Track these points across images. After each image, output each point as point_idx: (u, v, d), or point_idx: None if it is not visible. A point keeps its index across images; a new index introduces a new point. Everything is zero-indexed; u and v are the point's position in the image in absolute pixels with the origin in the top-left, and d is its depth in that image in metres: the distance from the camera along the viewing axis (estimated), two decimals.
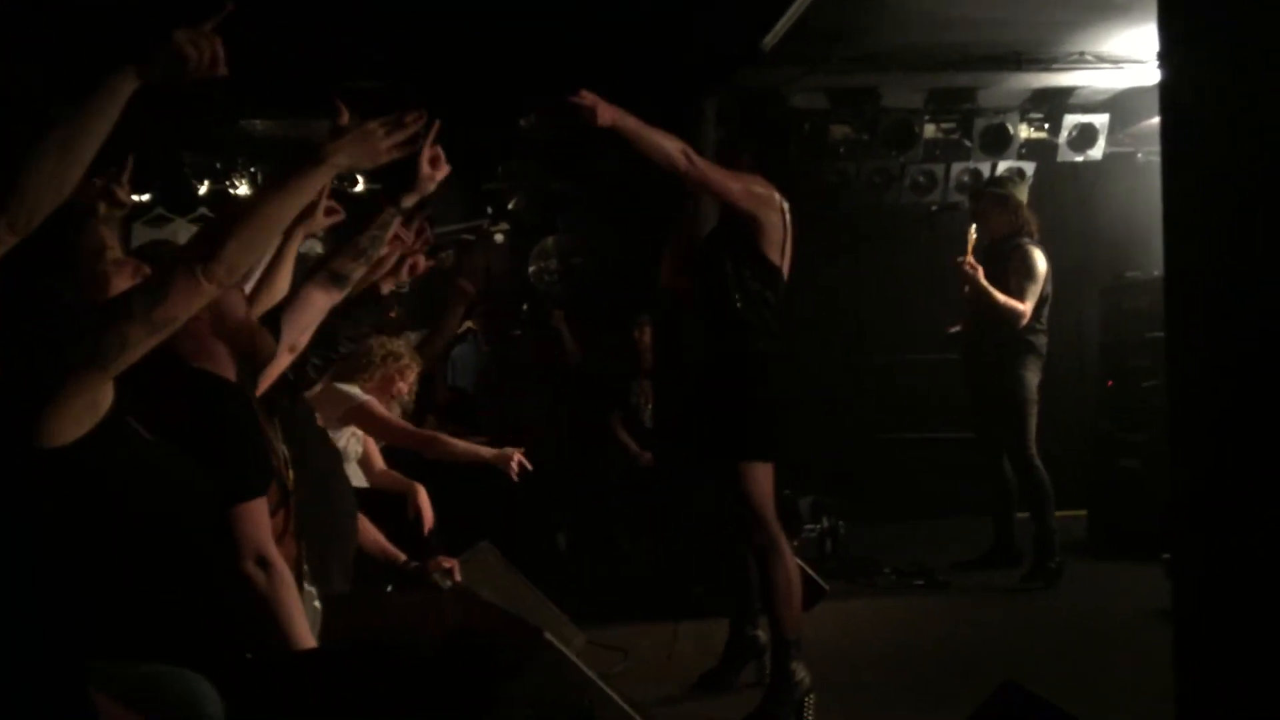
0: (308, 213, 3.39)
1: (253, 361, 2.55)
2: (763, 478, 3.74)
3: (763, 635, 4.02)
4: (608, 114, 3.31)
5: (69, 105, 1.81)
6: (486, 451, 4.27)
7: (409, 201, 2.92)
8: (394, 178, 3.02)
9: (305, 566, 2.59)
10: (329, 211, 3.46)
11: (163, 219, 7.57)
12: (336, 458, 3.52)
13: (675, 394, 4.05)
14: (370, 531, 3.64)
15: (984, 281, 5.63)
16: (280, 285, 3.09)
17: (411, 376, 4.42)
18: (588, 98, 3.30)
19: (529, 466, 4.15)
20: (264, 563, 2.20)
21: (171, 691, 1.75)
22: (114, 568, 1.85)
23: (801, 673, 3.72)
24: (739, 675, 4.08)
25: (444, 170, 2.91)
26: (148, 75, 1.85)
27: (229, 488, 2.14)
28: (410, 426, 4.45)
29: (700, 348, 3.90)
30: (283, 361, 2.99)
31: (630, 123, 3.38)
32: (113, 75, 1.83)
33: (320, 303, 2.82)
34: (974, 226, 5.77)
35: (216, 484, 2.05)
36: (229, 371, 2.44)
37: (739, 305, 3.72)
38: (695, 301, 3.92)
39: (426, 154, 2.92)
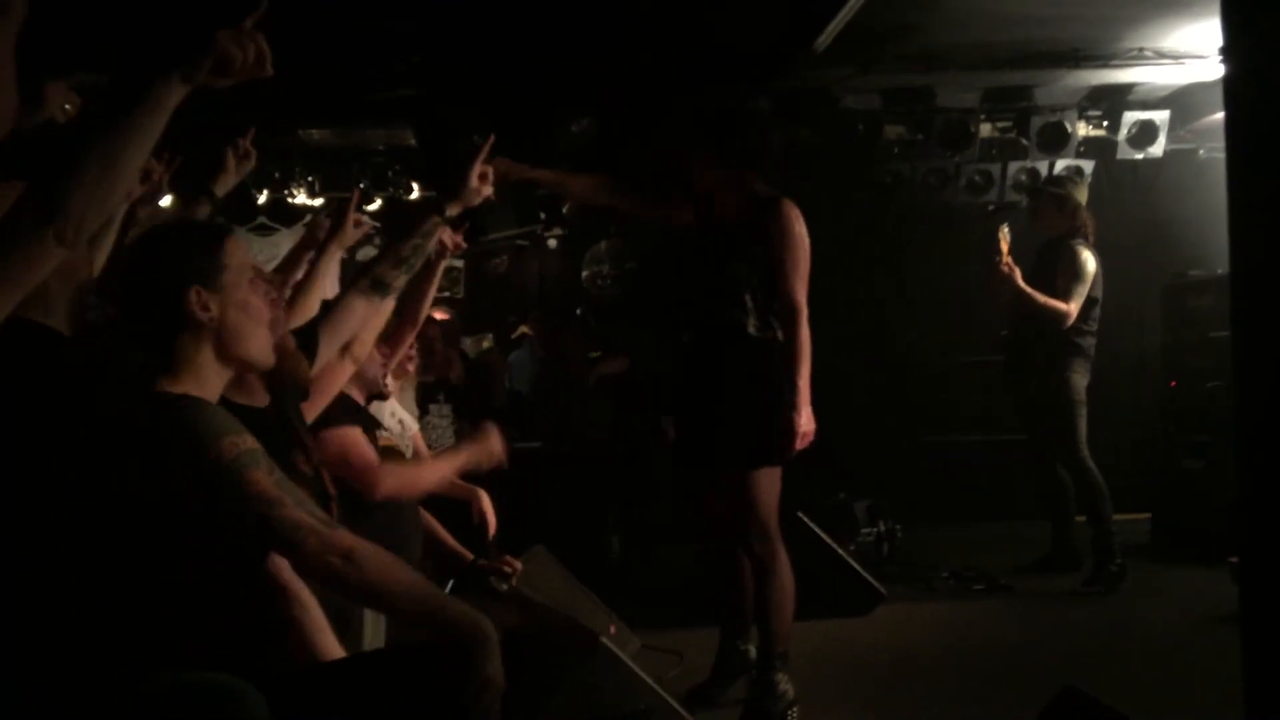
0: (338, 228, 3.43)
1: (285, 383, 2.56)
2: (770, 485, 3.68)
3: (754, 650, 3.92)
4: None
5: (113, 112, 1.75)
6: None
7: (453, 211, 2.92)
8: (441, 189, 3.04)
9: None
10: (357, 224, 3.48)
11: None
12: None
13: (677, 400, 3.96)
14: (437, 529, 3.67)
15: (1022, 283, 5.56)
16: (312, 303, 3.10)
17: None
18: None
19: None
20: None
21: (218, 698, 1.76)
22: (161, 573, 1.86)
23: (785, 684, 3.66)
24: (729, 691, 3.96)
25: (490, 188, 2.95)
26: (193, 79, 1.78)
27: None
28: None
29: (703, 355, 3.83)
30: (346, 371, 3.01)
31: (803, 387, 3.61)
32: (158, 83, 1.76)
33: (361, 310, 2.80)
34: (1005, 230, 5.66)
35: None
36: (256, 396, 2.46)
37: (754, 333, 3.71)
38: (698, 311, 3.85)
39: (477, 169, 2.94)
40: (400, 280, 2.85)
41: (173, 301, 1.96)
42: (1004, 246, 5.59)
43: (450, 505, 4.05)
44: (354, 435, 3.18)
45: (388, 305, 2.92)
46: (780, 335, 3.71)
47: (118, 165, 1.71)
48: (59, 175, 1.69)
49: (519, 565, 3.70)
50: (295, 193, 7.89)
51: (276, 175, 7.69)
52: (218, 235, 2.08)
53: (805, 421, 3.62)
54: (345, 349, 2.88)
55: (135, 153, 1.74)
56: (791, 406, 3.60)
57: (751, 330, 3.72)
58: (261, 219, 7.95)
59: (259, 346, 2.08)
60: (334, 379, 2.94)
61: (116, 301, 1.97)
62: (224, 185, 3.39)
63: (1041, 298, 5.55)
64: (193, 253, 2.01)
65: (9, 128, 1.91)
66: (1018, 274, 5.57)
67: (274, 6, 1.89)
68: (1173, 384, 6.82)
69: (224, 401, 2.38)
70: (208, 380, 2.00)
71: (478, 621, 1.90)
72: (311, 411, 2.85)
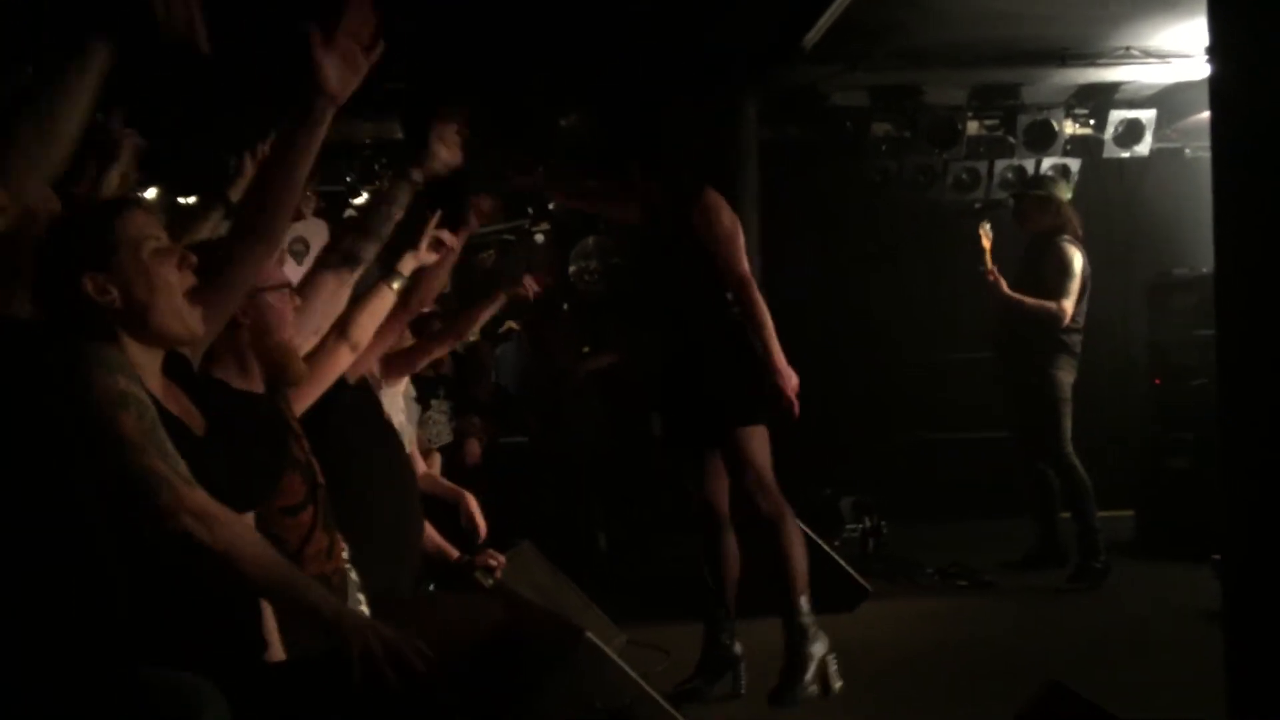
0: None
1: (280, 380, 2.54)
2: (761, 443, 3.82)
3: (738, 646, 3.98)
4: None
5: (44, 79, 1.71)
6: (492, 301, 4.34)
7: (418, 176, 2.78)
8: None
9: (348, 565, 2.61)
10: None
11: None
12: (403, 453, 3.52)
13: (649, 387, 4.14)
14: (426, 526, 3.67)
15: (1008, 290, 5.59)
16: None
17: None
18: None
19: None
20: None
21: (173, 696, 1.73)
22: (119, 567, 1.83)
23: (815, 629, 3.78)
24: (714, 686, 3.96)
25: (456, 154, 2.83)
26: (117, 40, 1.74)
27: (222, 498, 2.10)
28: (428, 337, 4.31)
29: (668, 338, 4.04)
30: (343, 359, 2.97)
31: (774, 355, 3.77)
32: (84, 45, 1.72)
33: (331, 285, 2.69)
34: (986, 227, 5.69)
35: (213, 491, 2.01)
36: (254, 382, 2.45)
37: (712, 311, 3.91)
38: (654, 299, 4.10)
39: (437, 133, 2.81)
40: (369, 252, 2.74)
41: (71, 294, 1.90)
42: (986, 244, 5.63)
43: (437, 504, 4.05)
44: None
45: (387, 298, 2.90)
46: (736, 309, 3.89)
47: (52, 131, 1.68)
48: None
49: (504, 560, 3.70)
50: None
51: None
52: (105, 214, 2.00)
53: (787, 379, 3.79)
54: (343, 334, 2.82)
55: (69, 117, 1.69)
56: (773, 370, 3.77)
57: (709, 308, 3.91)
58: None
59: (175, 318, 1.99)
60: (331, 366, 2.90)
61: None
62: (240, 190, 3.36)
63: (1031, 301, 5.56)
64: (79, 239, 1.92)
65: None
66: (1002, 283, 5.60)
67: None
68: (1157, 381, 6.85)
69: (224, 387, 2.37)
70: (135, 363, 1.94)
71: (337, 609, 1.89)
72: (308, 399, 2.82)
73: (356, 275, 2.76)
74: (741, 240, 3.90)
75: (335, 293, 2.71)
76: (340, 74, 2.10)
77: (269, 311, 2.42)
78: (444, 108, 2.86)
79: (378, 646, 1.82)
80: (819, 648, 3.78)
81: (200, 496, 1.84)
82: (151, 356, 2.00)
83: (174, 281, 1.99)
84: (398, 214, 2.78)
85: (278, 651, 2.14)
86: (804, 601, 3.79)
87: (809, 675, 3.74)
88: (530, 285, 4.62)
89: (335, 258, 2.71)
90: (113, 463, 1.78)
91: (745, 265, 3.88)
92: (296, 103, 2.08)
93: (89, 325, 1.93)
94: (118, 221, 1.97)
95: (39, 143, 1.67)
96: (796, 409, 3.79)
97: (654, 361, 4.22)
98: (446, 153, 2.81)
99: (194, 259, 2.05)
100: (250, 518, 2.21)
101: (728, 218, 3.89)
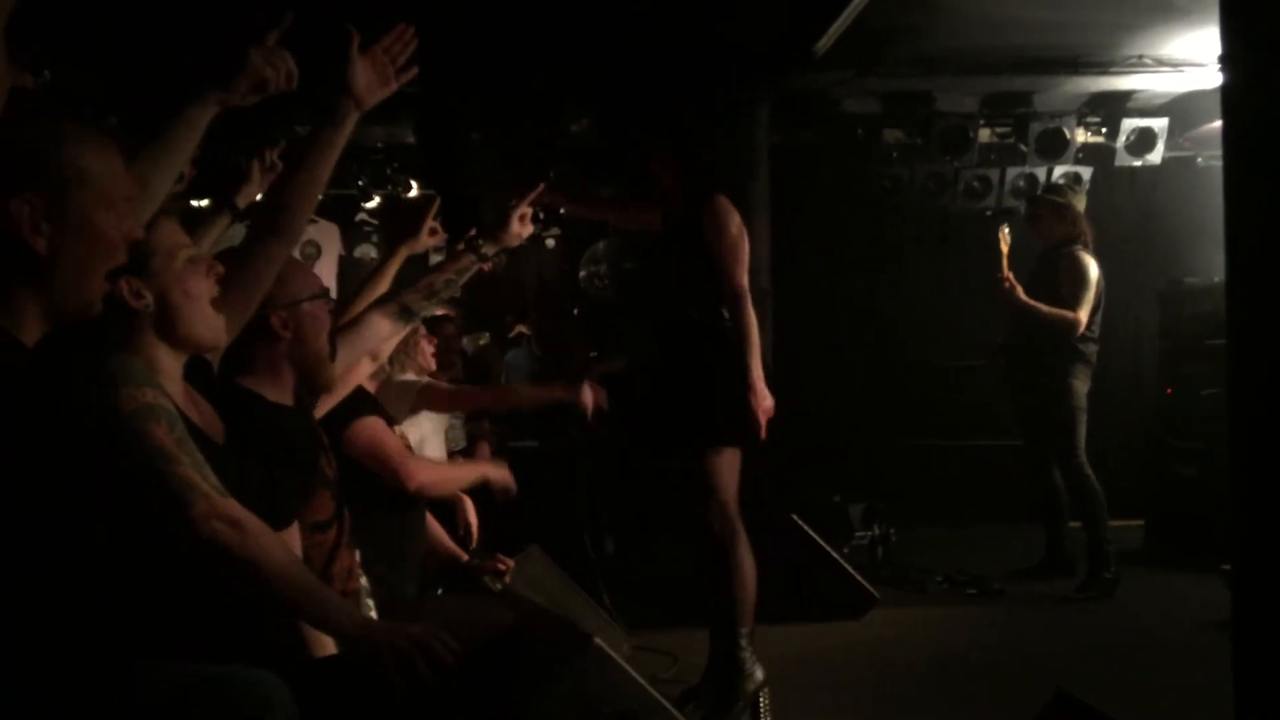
0: (411, 233, 3.47)
1: (309, 387, 2.56)
2: (729, 467, 3.73)
3: None
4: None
5: (149, 136, 1.78)
6: (555, 392, 4.26)
7: (490, 250, 2.96)
8: (477, 226, 3.10)
9: (364, 580, 2.62)
10: (432, 232, 3.54)
11: None
12: None
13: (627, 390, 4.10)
14: (435, 529, 3.67)
15: (1024, 298, 5.55)
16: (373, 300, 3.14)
17: (426, 343, 4.41)
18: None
19: (601, 407, 4.10)
20: None
21: (243, 692, 1.74)
22: (186, 566, 1.86)
23: (753, 664, 3.65)
24: None
25: (530, 228, 3.05)
26: (229, 100, 1.83)
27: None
28: (473, 388, 4.36)
29: (656, 341, 3.99)
30: (364, 369, 3.03)
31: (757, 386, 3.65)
32: (193, 104, 1.79)
33: (384, 331, 2.83)
34: (1005, 231, 5.65)
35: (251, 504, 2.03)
36: (284, 394, 2.46)
37: (700, 322, 3.81)
38: (652, 299, 4.09)
39: (518, 211, 3.03)
40: (427, 310, 2.91)
41: (106, 294, 1.90)
42: (1004, 248, 5.59)
43: (441, 505, 4.06)
44: (381, 425, 3.19)
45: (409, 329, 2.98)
46: (729, 322, 3.79)
47: (149, 185, 1.75)
48: None
49: (512, 564, 3.71)
50: None
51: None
52: None
53: (761, 400, 3.67)
54: None
55: (169, 173, 1.78)
56: (746, 387, 3.65)
57: (697, 319, 3.81)
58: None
59: (204, 325, 2.04)
60: (351, 376, 2.94)
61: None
62: (247, 197, 3.40)
63: (1046, 309, 5.53)
64: None
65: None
66: (1019, 290, 5.56)
67: (272, 1, 1.92)
68: (1169, 391, 6.84)
69: (259, 399, 2.38)
70: (160, 367, 1.97)
71: (363, 626, 1.88)
72: (324, 406, 2.85)
73: (409, 328, 2.96)
74: (746, 251, 3.80)
75: (386, 339, 2.88)
76: (369, 81, 2.23)
77: (308, 320, 2.45)
78: (525, 187, 3.10)
79: (410, 648, 1.83)
80: (753, 681, 3.65)
81: (233, 505, 1.86)
82: (175, 360, 2.03)
83: (204, 290, 2.05)
84: (462, 280, 2.97)
85: (327, 646, 2.15)
86: (743, 634, 3.64)
87: (734, 711, 3.63)
88: (586, 400, 4.53)
89: (395, 308, 2.84)
90: (146, 473, 1.80)
91: (743, 277, 3.77)
92: (321, 103, 2.15)
93: (118, 327, 1.96)
94: (152, 229, 2.01)
95: (139, 201, 1.74)
96: (764, 432, 3.66)
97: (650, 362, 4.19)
98: (520, 228, 3.03)
99: (220, 268, 2.10)
100: (295, 533, 2.23)
101: (735, 226, 3.80)
